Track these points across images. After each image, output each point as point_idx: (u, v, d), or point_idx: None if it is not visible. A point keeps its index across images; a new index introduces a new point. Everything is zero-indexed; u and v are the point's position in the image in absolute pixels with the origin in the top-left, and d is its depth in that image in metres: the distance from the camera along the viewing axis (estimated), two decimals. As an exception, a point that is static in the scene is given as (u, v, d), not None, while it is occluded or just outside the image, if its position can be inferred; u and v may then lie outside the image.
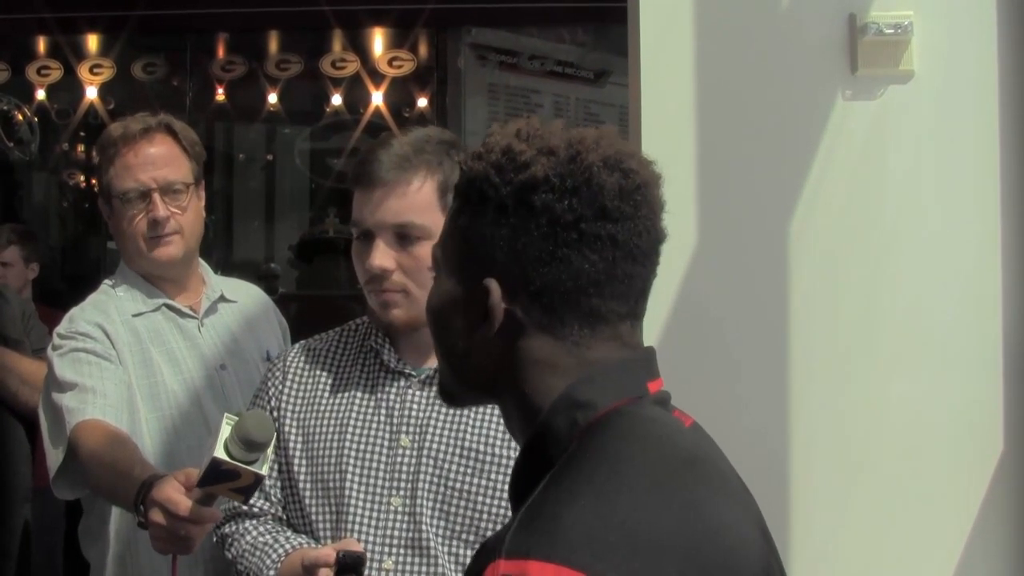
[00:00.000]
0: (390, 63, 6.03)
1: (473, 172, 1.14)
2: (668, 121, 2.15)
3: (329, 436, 1.87)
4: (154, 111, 2.34)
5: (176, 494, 1.74)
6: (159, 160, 2.24)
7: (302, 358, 1.96)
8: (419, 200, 1.80)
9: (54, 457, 2.15)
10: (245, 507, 1.89)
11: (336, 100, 6.21)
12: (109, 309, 2.26)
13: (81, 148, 6.83)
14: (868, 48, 2.12)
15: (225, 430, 1.68)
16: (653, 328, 2.11)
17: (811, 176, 2.14)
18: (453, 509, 1.81)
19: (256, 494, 1.80)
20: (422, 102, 6.18)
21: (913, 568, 2.12)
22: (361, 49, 6.06)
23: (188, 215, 2.26)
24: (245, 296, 2.43)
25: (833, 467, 2.14)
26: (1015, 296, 2.12)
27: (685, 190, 2.13)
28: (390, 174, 1.79)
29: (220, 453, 1.66)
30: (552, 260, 1.09)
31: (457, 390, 1.22)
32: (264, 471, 1.69)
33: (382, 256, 1.80)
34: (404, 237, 1.80)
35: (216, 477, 1.69)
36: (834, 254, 2.15)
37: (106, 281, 2.34)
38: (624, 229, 1.11)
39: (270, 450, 1.71)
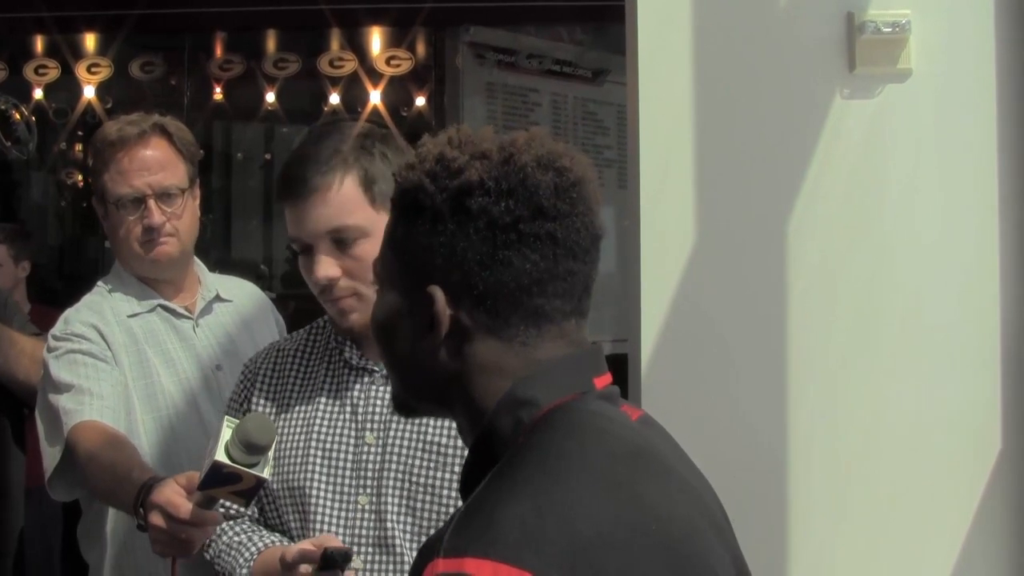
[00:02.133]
0: (388, 62, 6.01)
1: (407, 182, 1.14)
2: (666, 120, 2.14)
3: (296, 436, 1.87)
4: (148, 110, 2.33)
5: (177, 497, 1.74)
6: (154, 165, 2.23)
7: (271, 360, 1.96)
8: (343, 200, 1.79)
9: (50, 458, 2.14)
10: (246, 511, 1.88)
11: (334, 99, 6.19)
12: (104, 310, 2.25)
13: (79, 147, 6.82)
14: (866, 46, 2.12)
15: (226, 433, 1.67)
16: (652, 328, 2.11)
17: (809, 175, 2.14)
18: (419, 505, 1.80)
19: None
20: (420, 101, 6.17)
21: (912, 567, 2.12)
22: (359, 48, 6.05)
23: (183, 219, 2.26)
24: (241, 294, 2.43)
25: (831, 466, 2.13)
26: (1014, 295, 2.12)
27: (683, 189, 2.13)
28: (310, 183, 1.78)
29: (221, 456, 1.66)
30: (493, 263, 1.10)
31: (409, 401, 1.22)
32: (266, 474, 1.69)
33: (326, 267, 1.80)
34: (341, 241, 1.80)
35: (217, 480, 1.69)
36: (832, 253, 2.15)
37: (100, 282, 2.33)
38: (562, 227, 1.12)
39: (271, 453, 1.70)
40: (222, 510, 1.87)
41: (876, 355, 2.13)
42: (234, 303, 2.37)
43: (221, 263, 6.20)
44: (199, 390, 2.24)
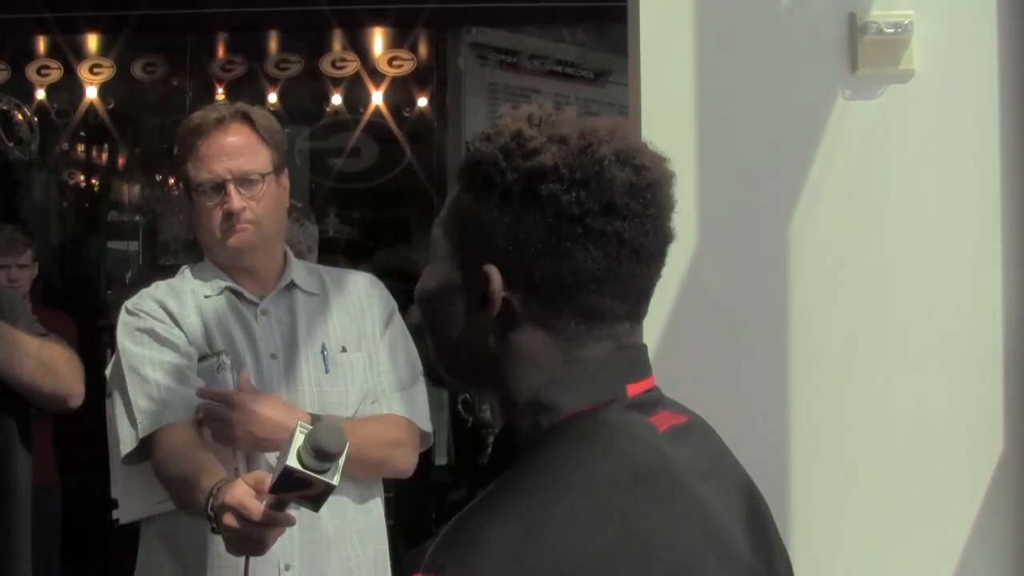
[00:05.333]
0: (390, 63, 6.01)
1: (479, 155, 1.10)
2: (668, 121, 2.14)
3: None
4: (232, 100, 2.34)
5: (249, 499, 1.80)
6: (234, 150, 2.23)
7: None
8: None
9: (128, 438, 2.20)
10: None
11: (336, 100, 6.18)
12: (183, 291, 2.28)
13: (81, 148, 6.82)
14: (868, 47, 2.12)
15: (298, 438, 1.70)
16: (654, 328, 2.11)
17: (811, 175, 2.14)
18: None
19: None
20: (422, 102, 6.16)
21: (913, 567, 2.12)
22: (361, 49, 6.04)
23: (265, 204, 2.24)
24: (335, 288, 2.38)
25: (833, 467, 2.13)
26: (1015, 295, 2.12)
27: (686, 190, 2.13)
28: None
29: (293, 462, 1.69)
30: (554, 253, 1.06)
31: (446, 375, 1.18)
32: (335, 481, 1.71)
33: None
34: None
35: (288, 485, 1.72)
36: (834, 253, 2.15)
37: (185, 266, 2.37)
38: (631, 227, 1.07)
39: (342, 460, 1.72)
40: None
41: (878, 355, 2.13)
42: (320, 297, 2.35)
43: (223, 264, 6.20)
44: (252, 377, 2.24)
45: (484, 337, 1.10)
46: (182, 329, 2.22)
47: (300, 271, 2.35)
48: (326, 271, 2.41)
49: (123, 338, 2.24)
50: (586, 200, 1.05)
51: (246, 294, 2.29)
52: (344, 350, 2.27)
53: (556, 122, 1.10)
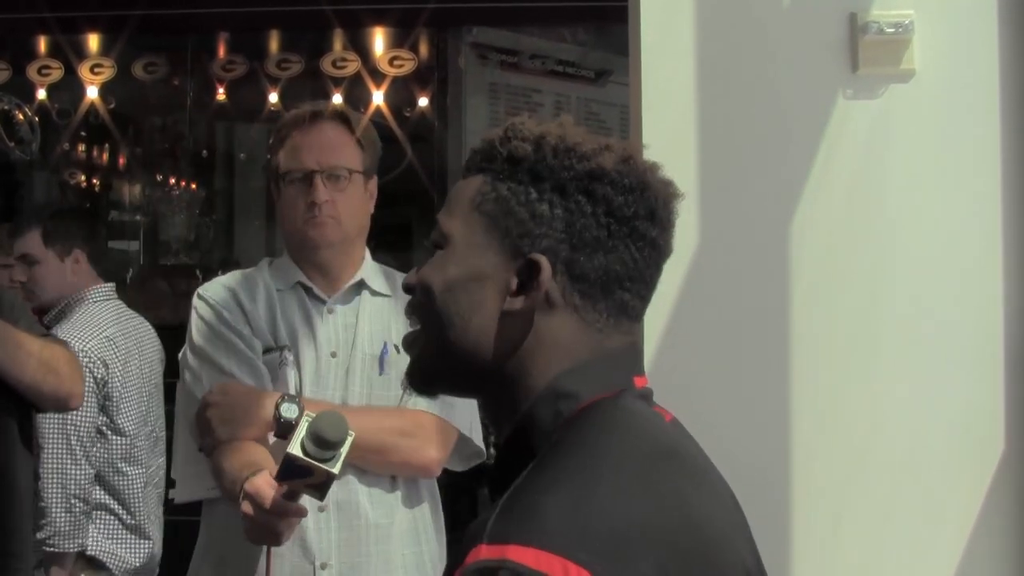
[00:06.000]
0: (391, 62, 6.01)
1: (522, 152, 1.16)
2: (669, 121, 2.14)
3: None
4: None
5: (266, 487, 1.84)
6: (325, 144, 2.25)
7: None
8: None
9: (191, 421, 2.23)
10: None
11: (337, 99, 6.18)
12: (256, 282, 2.29)
13: (82, 148, 6.83)
14: (869, 47, 2.12)
15: (303, 427, 1.73)
16: (654, 328, 2.11)
17: (812, 175, 2.14)
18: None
19: None
20: (423, 101, 6.16)
21: (915, 568, 2.12)
22: (362, 48, 6.04)
23: (348, 201, 2.25)
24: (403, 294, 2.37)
25: (834, 466, 2.13)
26: (1016, 296, 2.12)
27: (686, 190, 2.11)
28: None
29: (295, 450, 1.72)
30: (602, 248, 1.14)
31: (445, 372, 1.21)
32: (336, 470, 1.74)
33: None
34: None
35: (292, 473, 1.75)
36: (835, 253, 2.15)
37: (265, 258, 2.39)
38: (661, 235, 1.18)
39: (344, 449, 1.74)
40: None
41: (879, 355, 2.13)
42: (391, 299, 2.35)
43: (223, 264, 6.21)
44: (309, 373, 2.25)
45: (513, 324, 1.15)
46: (248, 318, 2.24)
47: (372, 272, 2.36)
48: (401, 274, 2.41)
49: (191, 322, 2.27)
50: (634, 204, 1.16)
51: (315, 291, 2.30)
52: (398, 351, 2.26)
53: (584, 133, 1.20)
